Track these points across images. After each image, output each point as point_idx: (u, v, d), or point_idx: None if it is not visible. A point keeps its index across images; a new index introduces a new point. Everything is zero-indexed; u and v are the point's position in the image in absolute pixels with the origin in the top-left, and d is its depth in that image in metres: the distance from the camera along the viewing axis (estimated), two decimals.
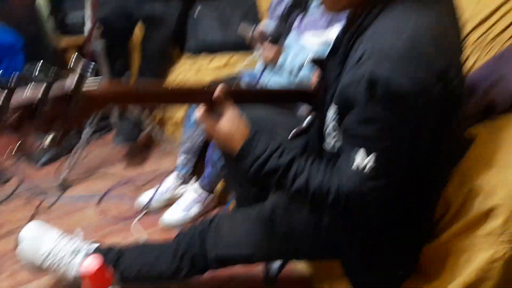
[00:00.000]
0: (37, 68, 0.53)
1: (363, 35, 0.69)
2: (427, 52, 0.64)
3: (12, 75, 0.51)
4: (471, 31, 1.28)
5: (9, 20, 1.95)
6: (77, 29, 2.18)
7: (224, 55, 1.88)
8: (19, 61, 1.91)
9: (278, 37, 1.44)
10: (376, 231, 0.80)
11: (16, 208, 1.53)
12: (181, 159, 1.56)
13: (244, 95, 0.86)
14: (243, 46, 1.91)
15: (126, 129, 1.78)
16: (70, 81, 0.57)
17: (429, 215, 0.82)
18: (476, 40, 1.27)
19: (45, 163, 1.81)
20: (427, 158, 0.71)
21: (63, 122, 0.58)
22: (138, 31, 1.99)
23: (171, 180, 1.57)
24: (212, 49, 1.91)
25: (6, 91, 0.50)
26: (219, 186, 1.61)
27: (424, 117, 0.66)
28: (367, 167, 0.66)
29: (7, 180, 1.70)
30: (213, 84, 0.77)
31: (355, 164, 0.67)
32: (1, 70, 1.88)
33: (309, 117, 1.04)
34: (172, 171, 1.61)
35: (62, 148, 1.86)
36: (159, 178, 1.73)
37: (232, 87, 0.81)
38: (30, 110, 0.54)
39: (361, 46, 0.67)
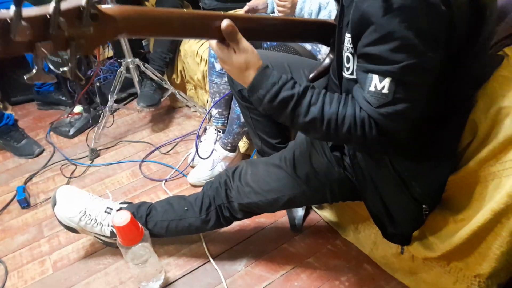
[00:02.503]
0: None
1: None
2: None
3: None
4: None
5: None
6: None
7: (239, 8, 1.83)
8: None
9: None
10: (399, 163, 0.78)
11: (50, 178, 1.61)
12: (214, 112, 1.56)
13: (254, 27, 0.78)
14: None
15: (148, 94, 1.79)
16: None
17: (455, 142, 0.78)
18: None
19: (74, 134, 1.87)
20: (451, 78, 0.67)
21: (77, 42, 0.56)
22: None
23: (210, 133, 1.58)
24: (226, 6, 1.86)
25: (14, 2, 0.48)
26: (242, 143, 1.61)
27: (447, 29, 0.60)
28: (384, 90, 0.62)
29: (41, 152, 1.77)
30: (222, 15, 0.73)
31: (371, 88, 0.63)
32: None
33: (329, 56, 0.99)
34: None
35: (89, 118, 1.92)
36: (185, 141, 1.77)
37: (244, 16, 0.76)
38: (42, 27, 0.52)
39: None
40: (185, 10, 0.69)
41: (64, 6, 0.52)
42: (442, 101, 0.69)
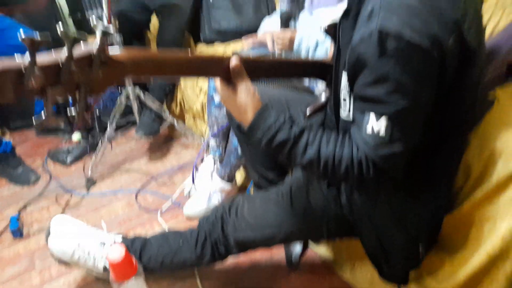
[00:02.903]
0: (59, 29, 0.52)
1: None
2: (438, 4, 0.61)
3: (34, 35, 0.50)
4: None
5: (30, 21, 2.02)
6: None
7: (238, 43, 1.88)
8: None
9: (289, 19, 1.42)
10: (395, 201, 0.78)
11: (45, 207, 1.59)
12: (212, 142, 1.57)
13: (259, 66, 0.83)
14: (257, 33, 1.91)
15: (147, 123, 1.81)
16: (93, 43, 0.57)
17: (449, 182, 0.79)
18: (498, 0, 1.21)
19: (72, 162, 1.87)
20: (444, 120, 0.68)
21: (86, 87, 0.57)
22: (155, 23, 2.02)
23: (208, 163, 1.59)
24: (226, 37, 1.92)
25: (29, 52, 0.50)
26: (239, 175, 1.61)
27: (438, 72, 0.62)
28: (380, 131, 0.63)
29: (37, 180, 1.77)
30: (226, 57, 0.76)
31: (367, 129, 0.65)
32: None
33: (325, 91, 1.01)
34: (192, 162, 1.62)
35: (87, 146, 1.92)
36: (182, 170, 1.77)
37: (248, 57, 0.79)
38: (54, 74, 0.54)
39: (370, 3, 0.64)
40: (189, 52, 0.71)
41: (75, 53, 0.54)
42: (435, 136, 0.70)
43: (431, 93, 0.64)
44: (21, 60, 0.51)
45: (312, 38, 1.38)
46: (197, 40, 1.98)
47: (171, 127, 1.94)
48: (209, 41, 1.93)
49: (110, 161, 1.87)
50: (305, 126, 0.73)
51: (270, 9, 1.92)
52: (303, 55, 1.43)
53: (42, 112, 0.56)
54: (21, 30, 0.50)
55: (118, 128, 2.09)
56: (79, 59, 0.55)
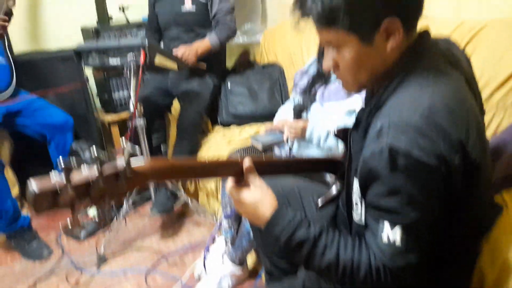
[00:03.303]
0: (92, 152, 0.59)
1: (381, 110, 0.73)
2: (443, 125, 0.66)
3: (70, 159, 0.57)
4: (492, 93, 1.29)
5: (62, 101, 2.18)
6: (121, 106, 2.44)
7: (253, 126, 1.99)
8: (68, 138, 2.09)
9: (302, 110, 1.51)
10: None
11: (56, 283, 1.58)
12: (224, 223, 1.58)
13: (271, 165, 0.88)
14: (271, 117, 2.02)
15: (162, 202, 1.85)
16: (120, 160, 0.63)
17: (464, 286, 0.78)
18: (499, 101, 1.28)
19: (85, 237, 1.89)
20: (455, 227, 0.70)
21: (110, 197, 0.63)
22: (176, 105, 2.16)
23: (219, 244, 1.59)
24: (242, 121, 2.03)
25: (65, 171, 0.55)
26: (251, 258, 1.60)
27: (447, 187, 0.66)
28: (396, 241, 0.66)
29: (49, 255, 1.78)
30: (242, 156, 0.81)
31: (383, 237, 0.67)
32: (52, 147, 2.07)
33: (336, 184, 1.05)
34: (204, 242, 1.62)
35: (101, 223, 1.95)
36: (193, 250, 1.76)
37: (260, 158, 0.84)
38: (84, 190, 0.59)
39: (379, 120, 0.70)
40: (206, 160, 0.77)
41: (104, 171, 0.60)
42: (448, 244, 0.72)
43: (441, 204, 0.67)
44: (57, 179, 0.56)
45: (323, 129, 1.46)
46: (214, 122, 2.10)
47: (185, 204, 1.97)
48: (226, 124, 2.04)
49: (123, 237, 1.88)
50: (323, 227, 0.76)
51: (284, 96, 2.06)
52: (314, 143, 1.50)
53: (68, 219, 0.61)
54: (60, 157, 0.57)
55: (133, 203, 2.14)
56: (107, 177, 0.60)
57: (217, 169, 0.78)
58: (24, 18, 2.36)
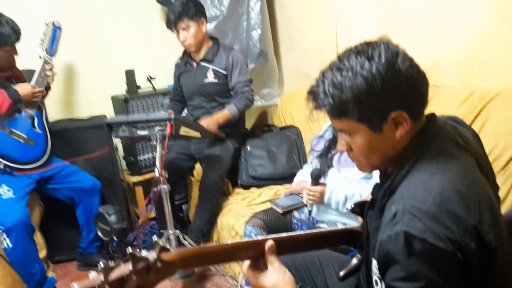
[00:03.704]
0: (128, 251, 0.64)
1: (395, 193, 0.76)
2: (455, 211, 0.68)
3: (105, 264, 0.63)
4: (508, 162, 1.31)
5: (90, 165, 2.30)
6: (145, 168, 2.55)
7: (272, 188, 2.04)
8: (95, 201, 2.19)
9: (319, 175, 1.56)
10: None
11: None
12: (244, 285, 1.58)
13: (292, 243, 0.91)
14: (290, 178, 2.07)
15: None
16: (151, 254, 0.68)
17: None
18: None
19: None
20: None
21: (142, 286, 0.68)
22: (198, 168, 2.25)
23: None
24: (261, 182, 2.09)
25: (105, 270, 0.61)
26: None
27: (464, 272, 0.67)
28: None
29: None
30: (262, 239, 0.84)
31: None
32: (80, 210, 2.16)
33: (356, 256, 1.06)
34: None
35: None
36: None
37: (281, 237, 0.87)
38: (118, 284, 0.64)
39: (393, 205, 0.73)
40: (229, 243, 0.82)
41: (137, 266, 0.66)
42: None
43: (459, 285, 0.68)
44: (95, 278, 0.62)
45: (341, 194, 1.50)
46: (234, 184, 2.17)
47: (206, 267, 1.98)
48: (246, 186, 2.10)
49: None
50: None
51: (302, 158, 2.12)
52: (333, 208, 1.53)
53: None
54: (101, 262, 0.63)
55: None
56: (140, 270, 0.66)
57: (241, 251, 0.82)
58: (59, 89, 2.56)
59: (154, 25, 2.78)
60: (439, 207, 0.68)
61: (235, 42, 2.48)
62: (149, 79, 2.61)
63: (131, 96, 2.50)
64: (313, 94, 0.80)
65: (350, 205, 1.38)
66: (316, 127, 2.09)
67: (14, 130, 1.92)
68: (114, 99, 2.60)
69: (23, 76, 2.09)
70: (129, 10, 2.69)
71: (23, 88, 1.92)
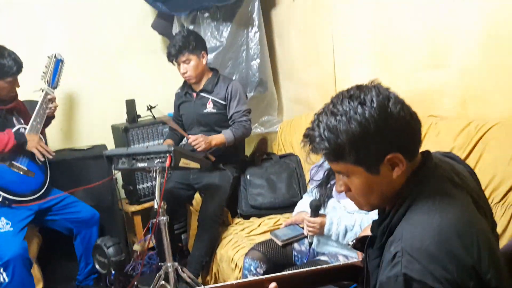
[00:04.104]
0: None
1: (393, 233, 0.76)
2: (454, 251, 0.68)
3: None
4: (506, 193, 1.31)
5: (89, 194, 2.29)
6: (144, 196, 2.53)
7: (272, 218, 2.02)
8: (94, 232, 2.16)
9: (319, 206, 1.55)
10: None
11: None
12: None
13: (294, 280, 0.91)
14: (290, 207, 2.06)
15: None
16: None
17: None
18: None
19: None
20: None
21: None
22: (197, 197, 2.24)
23: None
24: (261, 212, 2.08)
25: None
26: None
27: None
28: None
29: None
30: (265, 279, 0.85)
31: None
32: (78, 242, 2.13)
33: None
34: None
35: None
36: None
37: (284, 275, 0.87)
38: None
39: (393, 246, 0.73)
40: (233, 283, 0.82)
41: None
42: None
43: None
44: None
45: (341, 225, 1.48)
46: (234, 213, 2.15)
47: None
48: (246, 216, 2.09)
49: None
50: None
51: (301, 186, 2.11)
52: (333, 239, 1.52)
53: None
54: None
55: None
56: None
57: None
58: (59, 119, 2.57)
59: (154, 54, 2.83)
60: (438, 247, 0.69)
61: (234, 72, 2.52)
62: (149, 108, 2.64)
63: (131, 125, 2.52)
64: (309, 137, 0.81)
65: (351, 239, 1.38)
66: (315, 155, 2.09)
67: (14, 163, 1.92)
68: (114, 128, 2.62)
69: (26, 108, 2.11)
70: (130, 40, 2.74)
71: (32, 139, 1.94)
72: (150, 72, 2.84)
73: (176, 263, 1.83)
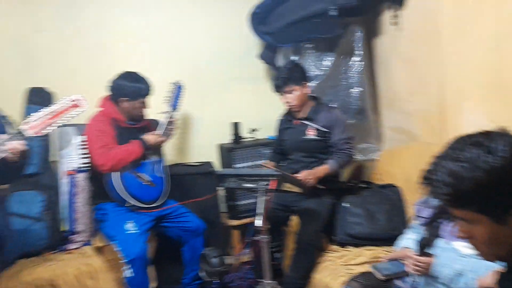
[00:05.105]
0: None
1: None
2: None
3: None
4: None
5: (197, 207, 2.53)
6: (244, 213, 2.71)
7: (370, 250, 2.00)
8: (200, 242, 2.39)
9: (426, 245, 1.50)
10: None
11: None
12: None
13: None
14: (390, 240, 2.01)
15: None
16: None
17: None
18: None
19: None
20: None
21: None
22: (294, 220, 2.32)
23: None
24: (359, 242, 2.07)
25: None
26: None
27: None
28: None
29: None
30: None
31: None
32: (185, 249, 2.37)
33: None
34: None
35: None
36: None
37: None
38: None
39: None
40: None
41: None
42: None
43: None
44: None
45: (452, 268, 1.41)
46: (330, 241, 2.17)
47: None
48: (342, 244, 2.09)
49: None
50: None
51: (403, 221, 2.05)
52: (442, 282, 1.45)
53: None
54: None
55: None
56: None
57: None
58: (174, 137, 2.92)
59: (258, 81, 3.06)
60: None
61: (334, 99, 2.59)
62: (252, 130, 2.84)
63: (235, 145, 2.73)
64: (428, 181, 0.80)
65: (464, 285, 1.30)
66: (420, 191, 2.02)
67: (140, 174, 2.24)
68: (220, 147, 2.86)
69: (153, 127, 2.46)
70: (237, 68, 3.00)
71: (149, 138, 2.25)
72: (253, 97, 3.06)
73: (275, 282, 1.93)
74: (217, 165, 2.85)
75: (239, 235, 2.72)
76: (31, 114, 1.58)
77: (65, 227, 2.52)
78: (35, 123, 1.55)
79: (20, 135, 1.53)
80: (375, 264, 1.67)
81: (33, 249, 2.33)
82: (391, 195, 2.18)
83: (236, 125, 2.80)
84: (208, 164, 2.84)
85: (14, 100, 2.57)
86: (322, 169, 2.12)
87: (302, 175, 2.07)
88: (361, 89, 2.55)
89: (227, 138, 2.90)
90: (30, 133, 1.55)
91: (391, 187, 2.24)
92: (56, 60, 2.72)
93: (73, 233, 2.51)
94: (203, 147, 2.99)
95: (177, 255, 2.42)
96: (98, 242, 2.31)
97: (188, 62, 2.92)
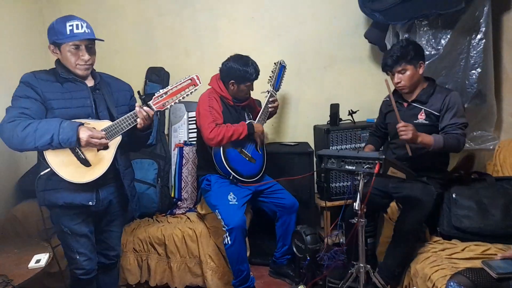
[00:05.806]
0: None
1: None
2: None
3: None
4: None
5: (291, 186, 2.59)
6: (336, 196, 2.70)
7: (480, 245, 1.84)
8: (293, 219, 2.46)
9: None
10: None
11: None
12: None
13: None
14: (504, 238, 1.83)
15: None
16: None
17: None
18: None
19: None
20: None
21: None
22: (392, 205, 2.24)
23: None
24: (466, 236, 1.92)
25: None
26: None
27: None
28: None
29: None
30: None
31: None
32: (279, 224, 2.46)
33: None
34: None
35: None
36: None
37: None
38: None
39: None
40: None
41: None
42: None
43: None
44: None
45: None
46: (432, 232, 2.05)
47: None
48: (447, 236, 1.96)
49: None
50: None
51: None
52: None
53: None
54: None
55: None
56: None
57: None
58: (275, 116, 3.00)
59: (360, 62, 2.95)
60: None
61: (448, 81, 2.37)
62: (351, 112, 2.76)
63: (333, 127, 2.70)
64: None
65: None
66: None
67: (243, 150, 2.37)
68: (317, 129, 2.86)
69: (256, 105, 2.56)
70: (340, 47, 2.93)
71: (257, 127, 2.36)
72: (353, 78, 2.97)
73: (369, 266, 1.90)
74: (311, 146, 2.87)
75: (330, 216, 2.72)
76: (155, 91, 1.76)
77: (173, 194, 2.81)
78: (160, 99, 1.73)
79: (149, 108, 1.72)
80: (486, 261, 1.54)
81: (147, 211, 2.68)
82: (509, 189, 1.96)
83: (335, 107, 2.76)
84: (305, 144, 2.86)
85: (136, 78, 2.91)
86: (425, 136, 1.94)
87: (402, 124, 1.93)
88: (480, 70, 2.29)
89: (324, 119, 2.87)
90: (155, 108, 1.73)
91: (510, 180, 2.01)
92: (172, 42, 2.98)
93: (180, 199, 2.80)
94: (299, 128, 3.02)
95: (270, 229, 2.53)
96: (201, 209, 2.52)
97: (290, 41, 2.95)
